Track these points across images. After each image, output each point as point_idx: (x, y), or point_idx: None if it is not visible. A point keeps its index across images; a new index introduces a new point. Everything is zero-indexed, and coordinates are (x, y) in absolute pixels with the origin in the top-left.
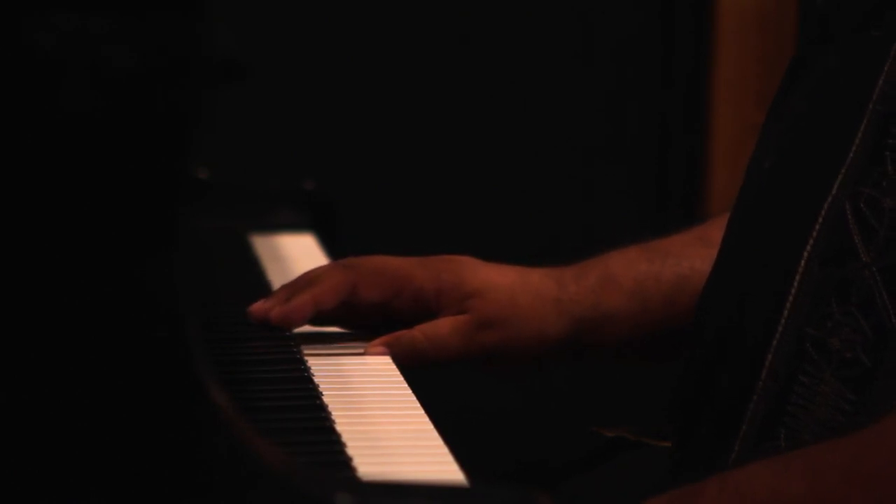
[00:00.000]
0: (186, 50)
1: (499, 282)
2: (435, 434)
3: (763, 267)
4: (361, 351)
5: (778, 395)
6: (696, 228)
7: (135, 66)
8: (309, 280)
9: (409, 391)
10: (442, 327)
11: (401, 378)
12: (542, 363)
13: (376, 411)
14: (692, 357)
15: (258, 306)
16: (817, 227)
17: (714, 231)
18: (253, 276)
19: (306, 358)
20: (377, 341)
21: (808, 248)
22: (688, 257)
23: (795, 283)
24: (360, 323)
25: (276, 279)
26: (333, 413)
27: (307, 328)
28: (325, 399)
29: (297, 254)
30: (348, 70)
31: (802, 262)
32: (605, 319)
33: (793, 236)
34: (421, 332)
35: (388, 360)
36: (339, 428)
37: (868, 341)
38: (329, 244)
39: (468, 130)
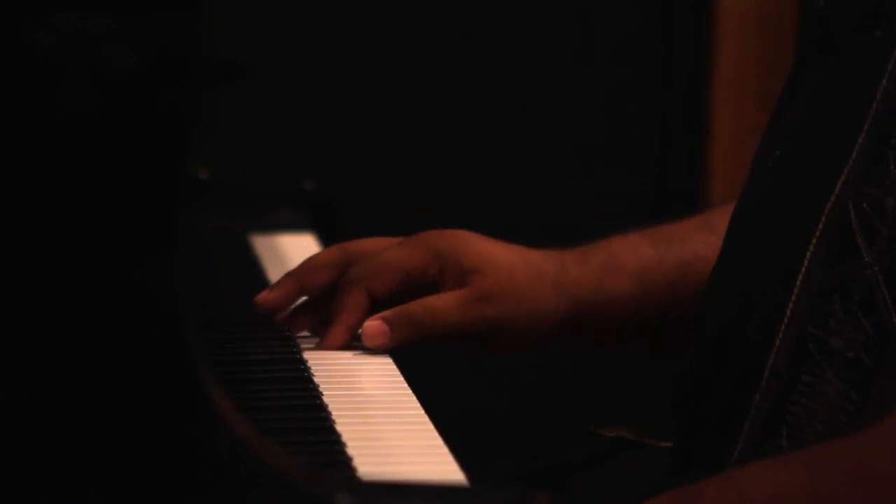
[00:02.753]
0: (186, 50)
1: (498, 258)
2: (435, 434)
3: (766, 266)
4: (361, 351)
5: (780, 395)
6: (701, 216)
7: (135, 66)
8: (336, 308)
9: (410, 391)
10: (440, 300)
11: (401, 378)
12: (541, 344)
13: (376, 411)
14: (694, 355)
15: (268, 300)
16: (820, 226)
17: (718, 219)
18: (253, 276)
19: (306, 358)
20: (375, 316)
21: (811, 247)
22: (691, 243)
23: (798, 283)
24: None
25: (277, 279)
26: (333, 413)
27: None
28: (325, 399)
29: (297, 254)
30: (348, 70)
31: (805, 262)
32: (607, 302)
33: (796, 236)
34: (419, 305)
35: (388, 360)
36: (339, 428)
37: (870, 341)
38: (329, 244)
39: (468, 130)
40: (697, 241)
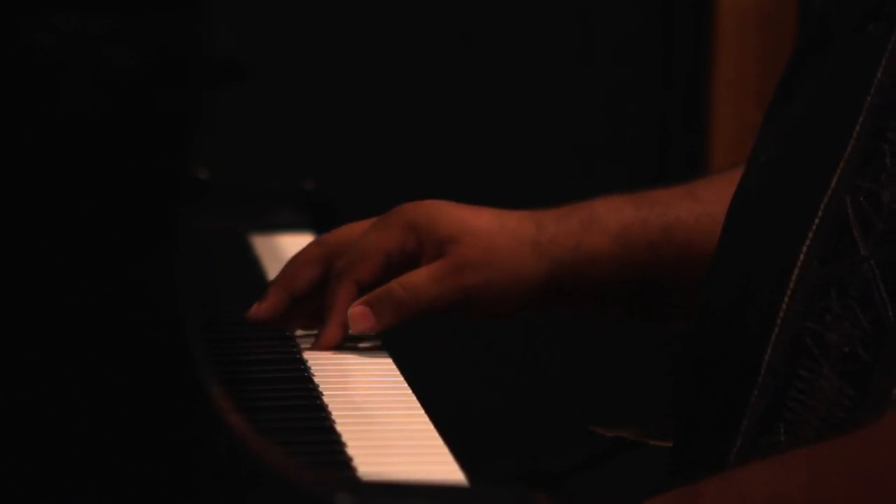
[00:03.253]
0: (186, 50)
1: (475, 225)
2: (435, 434)
3: (762, 261)
4: (361, 351)
5: (777, 390)
6: (685, 184)
7: (135, 66)
8: (327, 305)
9: (409, 391)
10: (418, 276)
11: (401, 378)
12: (526, 310)
13: (376, 411)
14: (694, 349)
15: (259, 314)
16: (816, 221)
17: (702, 188)
18: (253, 276)
19: (306, 358)
20: (357, 301)
21: (808, 242)
22: (675, 208)
23: (794, 278)
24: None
25: None
26: (333, 413)
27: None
28: (325, 399)
29: None
30: (348, 70)
31: (801, 257)
32: (587, 261)
33: (791, 231)
34: (398, 284)
35: (388, 360)
36: (339, 428)
37: (867, 336)
38: None
39: (468, 130)
40: (681, 207)
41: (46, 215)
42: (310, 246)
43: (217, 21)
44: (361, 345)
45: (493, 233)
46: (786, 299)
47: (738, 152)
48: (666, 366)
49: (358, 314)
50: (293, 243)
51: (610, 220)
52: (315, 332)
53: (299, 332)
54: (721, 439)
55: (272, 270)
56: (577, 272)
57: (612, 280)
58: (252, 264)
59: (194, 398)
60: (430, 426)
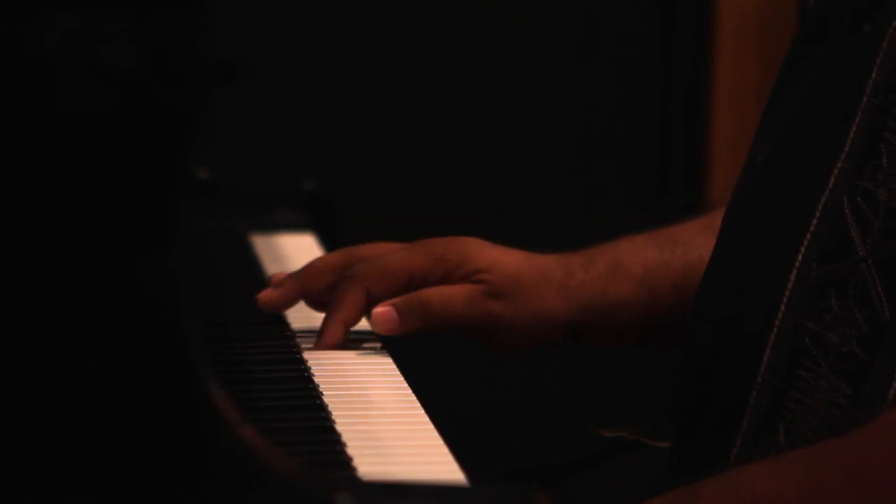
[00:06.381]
0: (186, 50)
1: (505, 260)
2: (435, 434)
3: (760, 262)
4: (362, 351)
5: (777, 390)
6: (704, 217)
7: (135, 66)
8: (333, 303)
9: (410, 391)
10: (451, 290)
11: (401, 378)
12: (541, 348)
13: (376, 411)
14: (692, 352)
15: (269, 300)
16: (814, 221)
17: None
18: (253, 276)
19: (306, 358)
20: (385, 302)
21: (805, 242)
22: (696, 246)
23: (792, 278)
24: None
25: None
26: (333, 413)
27: (307, 326)
28: (325, 399)
29: (297, 254)
30: (348, 70)
31: (799, 257)
32: (613, 307)
33: (789, 231)
34: (432, 291)
35: (388, 359)
36: (339, 428)
37: (863, 335)
38: (329, 244)
39: (468, 130)
40: (702, 244)
41: (47, 216)
42: (335, 252)
43: (217, 21)
44: (362, 345)
45: (522, 269)
46: (784, 299)
47: (738, 152)
48: (666, 368)
49: (383, 315)
50: (293, 243)
51: (633, 264)
52: (315, 330)
53: (299, 332)
54: (721, 439)
55: (272, 270)
56: (602, 317)
57: (636, 324)
58: (252, 264)
59: (194, 398)
60: (430, 426)
